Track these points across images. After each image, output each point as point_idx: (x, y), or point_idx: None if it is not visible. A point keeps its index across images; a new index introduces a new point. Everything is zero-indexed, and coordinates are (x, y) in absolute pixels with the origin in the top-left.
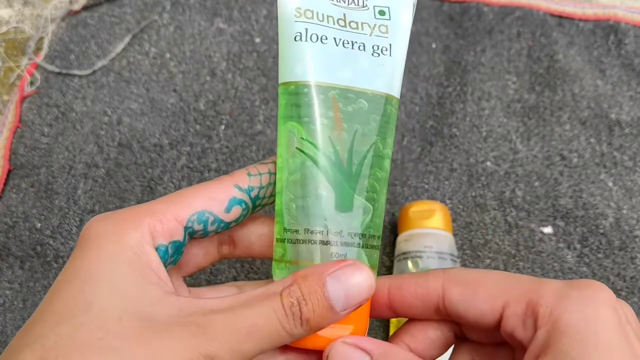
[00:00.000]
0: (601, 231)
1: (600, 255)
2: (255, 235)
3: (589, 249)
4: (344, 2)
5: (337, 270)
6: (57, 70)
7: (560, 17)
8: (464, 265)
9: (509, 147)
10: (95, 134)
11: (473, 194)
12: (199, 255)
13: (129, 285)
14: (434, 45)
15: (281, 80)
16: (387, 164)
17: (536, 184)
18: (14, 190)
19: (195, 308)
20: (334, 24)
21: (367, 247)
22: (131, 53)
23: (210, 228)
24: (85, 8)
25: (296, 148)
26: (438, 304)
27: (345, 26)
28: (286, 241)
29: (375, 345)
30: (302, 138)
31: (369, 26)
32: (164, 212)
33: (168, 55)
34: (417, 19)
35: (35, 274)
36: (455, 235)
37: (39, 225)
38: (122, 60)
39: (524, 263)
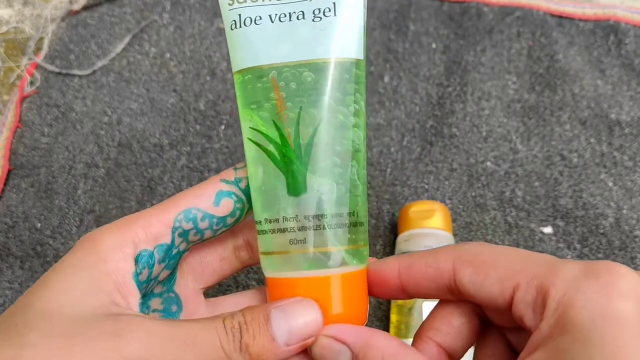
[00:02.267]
0: (601, 231)
1: (600, 255)
2: None
3: (589, 249)
4: None
5: (284, 305)
6: (57, 70)
7: (560, 17)
8: None
9: (509, 147)
10: (95, 134)
11: (473, 194)
12: (215, 262)
13: (77, 289)
14: (434, 45)
15: (233, 70)
16: (352, 133)
17: (536, 184)
18: (14, 190)
19: (134, 317)
20: (269, 0)
21: (335, 227)
22: (131, 53)
23: (202, 225)
24: (85, 8)
25: (247, 138)
26: (450, 284)
27: None
28: (257, 232)
29: (356, 336)
30: (250, 127)
31: None
32: (148, 218)
33: (168, 55)
34: (417, 19)
35: (35, 274)
36: (455, 235)
37: (39, 225)
38: (122, 60)
39: None
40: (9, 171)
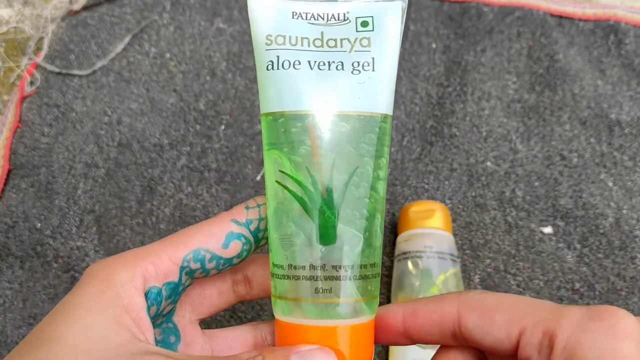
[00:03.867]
0: (601, 231)
1: (600, 255)
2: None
3: (589, 249)
4: (323, 18)
5: (304, 352)
6: (57, 70)
7: (560, 17)
8: (463, 265)
9: (509, 147)
10: (95, 134)
11: (473, 194)
12: (213, 295)
13: (99, 324)
14: (434, 45)
15: (262, 111)
16: (379, 186)
17: (536, 184)
18: (14, 190)
19: (159, 355)
20: (309, 45)
21: (358, 279)
22: (131, 53)
23: (209, 266)
24: (85, 8)
25: (276, 181)
26: (454, 329)
27: (322, 46)
28: (274, 276)
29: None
30: (280, 171)
31: (349, 42)
32: (158, 254)
33: (168, 55)
34: (417, 19)
35: (35, 274)
36: (455, 235)
37: (39, 225)
38: (122, 60)
39: (524, 263)
40: (9, 171)
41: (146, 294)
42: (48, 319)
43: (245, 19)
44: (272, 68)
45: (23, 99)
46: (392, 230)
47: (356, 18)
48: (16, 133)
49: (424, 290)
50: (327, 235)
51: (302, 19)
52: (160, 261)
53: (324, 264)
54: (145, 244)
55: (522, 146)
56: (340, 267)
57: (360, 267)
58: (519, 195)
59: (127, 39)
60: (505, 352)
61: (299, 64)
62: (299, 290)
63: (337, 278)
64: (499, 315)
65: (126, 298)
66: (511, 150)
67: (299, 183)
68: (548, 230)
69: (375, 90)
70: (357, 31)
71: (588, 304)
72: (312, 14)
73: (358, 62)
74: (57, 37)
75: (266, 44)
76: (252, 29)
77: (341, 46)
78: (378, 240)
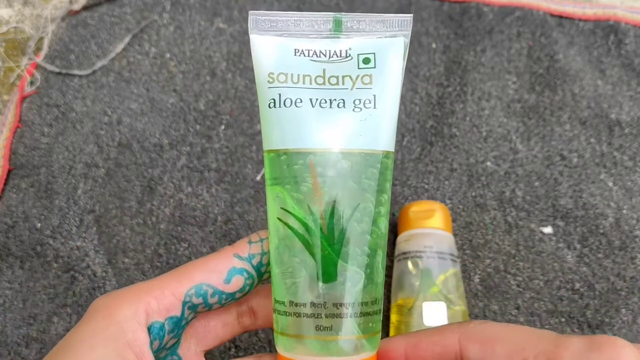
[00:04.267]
0: (601, 231)
1: (600, 255)
2: None
3: (589, 249)
4: (325, 55)
5: None
6: (57, 70)
7: (560, 17)
8: (463, 265)
9: (509, 147)
10: (95, 134)
11: (473, 194)
12: (218, 327)
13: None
14: (434, 45)
15: (264, 147)
16: (381, 222)
17: (536, 184)
18: (14, 190)
19: None
20: (310, 83)
21: (360, 316)
22: (131, 53)
23: (211, 300)
24: (85, 8)
25: (277, 218)
26: None
27: (323, 84)
28: (276, 312)
29: None
30: (282, 208)
31: (351, 79)
32: (161, 289)
33: (168, 55)
34: (417, 19)
35: (35, 274)
36: (455, 235)
37: (39, 225)
38: (122, 60)
39: (524, 263)
40: (9, 171)
41: (149, 329)
42: (54, 354)
43: (245, 19)
44: (274, 106)
45: (23, 99)
46: (392, 230)
47: (358, 55)
48: (16, 133)
49: (424, 290)
50: (328, 273)
51: (304, 56)
52: (163, 296)
53: (325, 302)
54: (145, 244)
55: (522, 146)
56: (341, 305)
57: (362, 305)
58: (519, 195)
59: (127, 39)
60: None
61: (301, 101)
62: (301, 326)
63: (339, 315)
64: (500, 347)
65: (129, 333)
66: (511, 150)
67: (300, 220)
68: (548, 230)
69: (376, 127)
70: (358, 68)
71: (588, 304)
72: (314, 51)
73: (359, 100)
74: (57, 37)
75: (268, 81)
76: (255, 67)
77: (343, 83)
78: (380, 277)
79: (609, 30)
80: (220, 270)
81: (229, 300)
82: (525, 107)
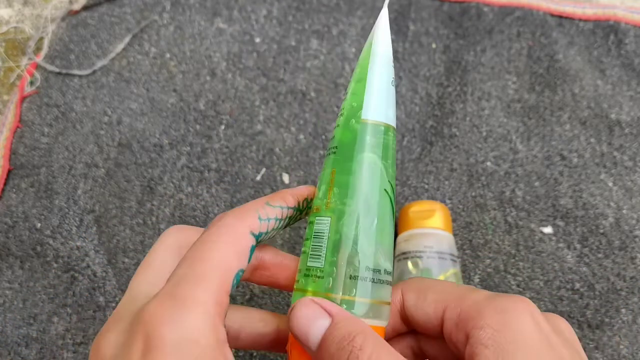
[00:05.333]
0: (601, 231)
1: (600, 255)
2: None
3: (589, 249)
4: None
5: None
6: (57, 70)
7: (560, 17)
8: (463, 265)
9: (509, 147)
10: (95, 134)
11: (473, 194)
12: None
13: None
14: (434, 45)
15: (369, 117)
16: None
17: (536, 184)
18: (14, 190)
19: None
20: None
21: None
22: (131, 53)
23: (236, 283)
24: (85, 8)
25: (384, 190)
26: (401, 311)
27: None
28: (360, 279)
29: (340, 310)
30: (388, 180)
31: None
32: (213, 285)
33: (168, 55)
34: (417, 19)
35: (35, 274)
36: (455, 235)
37: (39, 225)
38: (122, 60)
39: (524, 263)
40: (9, 171)
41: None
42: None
43: (245, 19)
44: (393, 84)
45: (23, 99)
46: None
47: None
48: (16, 133)
49: None
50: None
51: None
52: (221, 292)
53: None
54: (145, 244)
55: (522, 146)
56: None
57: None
58: (519, 195)
59: (127, 39)
60: (435, 329)
61: (394, 83)
62: (375, 292)
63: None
64: (430, 294)
65: (220, 336)
66: (511, 150)
67: (393, 194)
68: (548, 230)
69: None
70: None
71: (588, 304)
72: None
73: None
74: (57, 37)
75: (393, 59)
76: (381, 44)
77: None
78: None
79: (609, 30)
80: (245, 252)
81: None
82: (525, 107)
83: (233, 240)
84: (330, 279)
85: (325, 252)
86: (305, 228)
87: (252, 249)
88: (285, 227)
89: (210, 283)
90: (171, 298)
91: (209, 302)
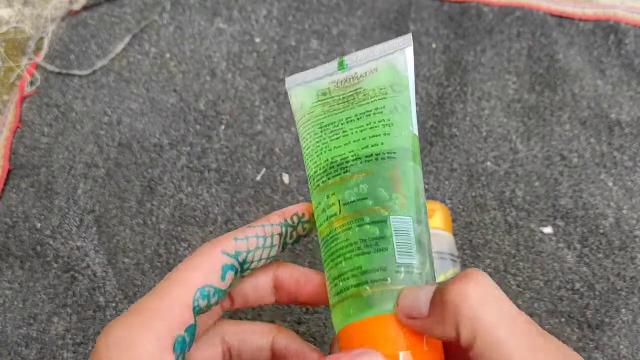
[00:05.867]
0: (601, 231)
1: (600, 255)
2: (250, 286)
3: (589, 249)
4: None
5: (355, 357)
6: (57, 70)
7: (560, 17)
8: (463, 265)
9: (509, 147)
10: (95, 134)
11: (473, 194)
12: (204, 318)
13: None
14: (434, 45)
15: (414, 131)
16: None
17: (536, 184)
18: (14, 190)
19: None
20: None
21: None
22: (131, 53)
23: (212, 300)
24: (85, 8)
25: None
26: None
27: None
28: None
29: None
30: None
31: None
32: (169, 304)
33: (168, 55)
34: (417, 19)
35: (35, 274)
36: (455, 235)
37: (39, 225)
38: (122, 60)
39: (524, 263)
40: (9, 171)
41: (174, 347)
42: None
43: (245, 19)
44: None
45: (23, 99)
46: None
47: None
48: (16, 133)
49: None
50: None
51: None
52: (173, 312)
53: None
54: (145, 244)
55: (522, 146)
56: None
57: None
58: (519, 195)
59: (127, 39)
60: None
61: None
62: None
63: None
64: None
65: None
66: (511, 150)
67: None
68: (548, 230)
69: None
70: None
71: (588, 304)
72: None
73: None
74: (57, 37)
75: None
76: (410, 73)
77: None
78: None
79: (609, 30)
80: (215, 269)
81: (222, 297)
82: (525, 107)
83: (200, 260)
84: (423, 273)
85: (413, 248)
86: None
87: (229, 268)
88: (286, 245)
89: (168, 297)
90: (123, 326)
91: (162, 326)
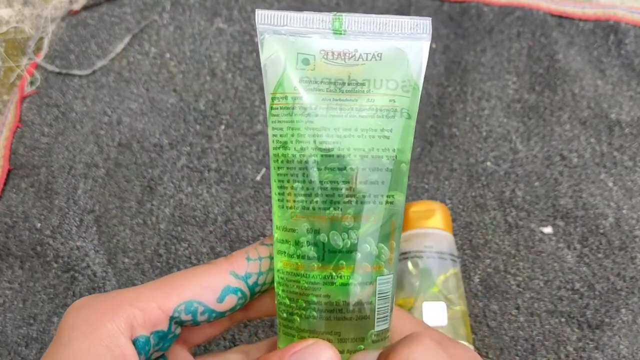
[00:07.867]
0: (601, 231)
1: (600, 255)
2: (268, 297)
3: (589, 249)
4: None
5: (298, 351)
6: (57, 70)
7: (560, 17)
8: (463, 265)
9: (509, 147)
10: (95, 134)
11: (473, 194)
12: (206, 328)
13: None
14: (434, 45)
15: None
16: None
17: (536, 184)
18: (14, 190)
19: None
20: None
21: None
22: (131, 53)
23: (201, 318)
24: (85, 8)
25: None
26: None
27: None
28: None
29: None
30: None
31: None
32: (147, 300)
33: (168, 55)
34: None
35: (35, 274)
36: (455, 235)
37: (39, 225)
38: (122, 60)
39: (524, 263)
40: (9, 171)
41: (134, 342)
42: None
43: (245, 19)
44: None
45: (23, 99)
46: None
47: None
48: (16, 133)
49: (424, 290)
50: None
51: None
52: (150, 309)
53: None
54: (145, 244)
55: (522, 146)
56: None
57: None
58: (519, 195)
59: (127, 39)
60: None
61: None
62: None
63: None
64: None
65: (116, 350)
66: (511, 150)
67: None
68: (548, 230)
69: None
70: None
71: (588, 304)
72: None
73: None
74: (57, 37)
75: None
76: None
77: None
78: None
79: (609, 30)
80: (214, 288)
81: (218, 318)
82: (525, 107)
83: (206, 273)
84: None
85: (390, 312)
86: None
87: (232, 291)
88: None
89: (149, 298)
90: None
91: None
